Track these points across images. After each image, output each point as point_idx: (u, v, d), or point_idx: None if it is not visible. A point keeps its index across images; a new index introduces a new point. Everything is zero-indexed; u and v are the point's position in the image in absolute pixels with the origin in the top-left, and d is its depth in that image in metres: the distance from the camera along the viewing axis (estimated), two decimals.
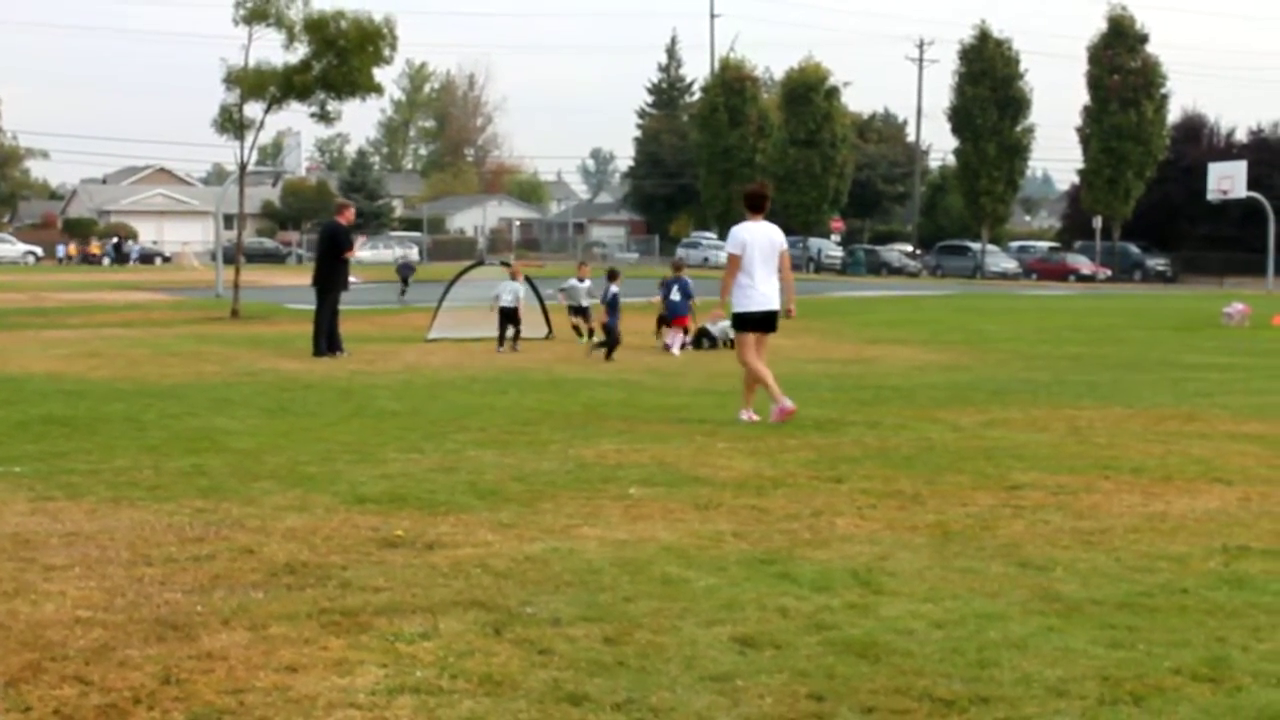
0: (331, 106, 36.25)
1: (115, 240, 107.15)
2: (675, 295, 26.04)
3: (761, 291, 14.95)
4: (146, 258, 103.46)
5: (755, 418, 14.71)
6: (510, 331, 25.96)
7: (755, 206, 15.30)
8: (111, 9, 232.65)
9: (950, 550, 8.48)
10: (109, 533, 8.82)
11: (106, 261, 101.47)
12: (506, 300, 26.19)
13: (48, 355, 22.62)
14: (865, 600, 7.27)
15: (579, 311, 27.78)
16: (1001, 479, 11.09)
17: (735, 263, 15.04)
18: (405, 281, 49.54)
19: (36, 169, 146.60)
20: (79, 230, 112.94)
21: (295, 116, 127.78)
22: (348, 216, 24.62)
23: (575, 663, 6.17)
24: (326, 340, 23.35)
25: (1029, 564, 8.11)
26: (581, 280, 28.16)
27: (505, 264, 30.29)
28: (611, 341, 23.83)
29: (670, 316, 26.27)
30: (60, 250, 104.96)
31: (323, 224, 25.58)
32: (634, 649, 6.37)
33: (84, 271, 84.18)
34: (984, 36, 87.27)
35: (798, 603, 7.19)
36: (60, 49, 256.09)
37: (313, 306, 23.82)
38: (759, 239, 15.00)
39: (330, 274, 23.74)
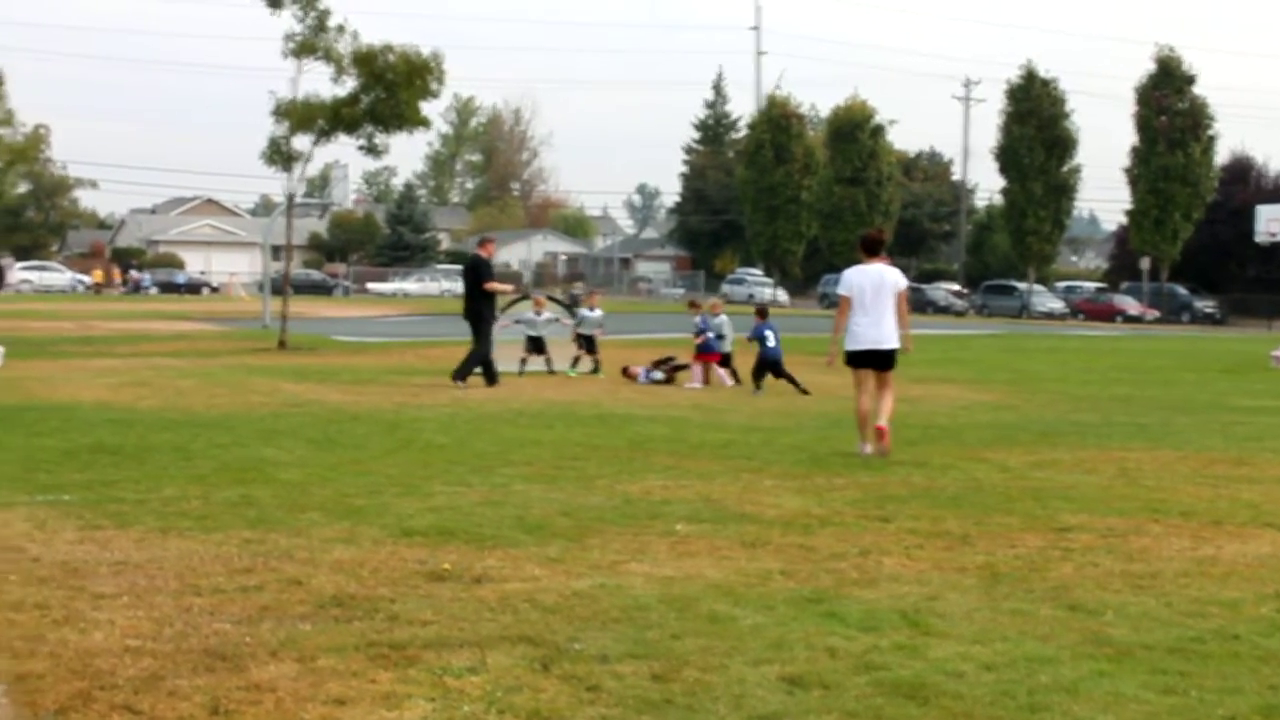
0: (379, 139, 36.41)
1: (128, 266, 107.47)
2: (771, 341, 26.02)
3: (868, 331, 15.39)
4: (193, 287, 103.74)
5: (869, 450, 15.02)
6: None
7: (870, 249, 15.83)
8: (162, 42, 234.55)
9: (999, 592, 8.43)
10: (157, 562, 8.85)
11: (146, 289, 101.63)
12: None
13: (96, 384, 22.73)
14: (914, 641, 7.23)
15: (585, 341, 28.14)
16: (1050, 520, 11.03)
17: (845, 304, 15.63)
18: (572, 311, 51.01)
19: (86, 199, 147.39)
20: (122, 259, 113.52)
21: (343, 149, 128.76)
22: (489, 250, 25.10)
23: (623, 700, 6.16)
24: (485, 370, 23.97)
25: (1079, 607, 8.06)
26: (592, 310, 28.47)
27: (551, 298, 30.43)
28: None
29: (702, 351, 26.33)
30: (83, 279, 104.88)
31: (467, 259, 25.89)
32: (682, 687, 6.35)
33: (130, 301, 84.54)
34: (1031, 76, 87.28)
35: (846, 642, 7.16)
36: (110, 81, 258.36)
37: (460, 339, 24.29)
38: (869, 281, 15.46)
39: (480, 307, 24.04)
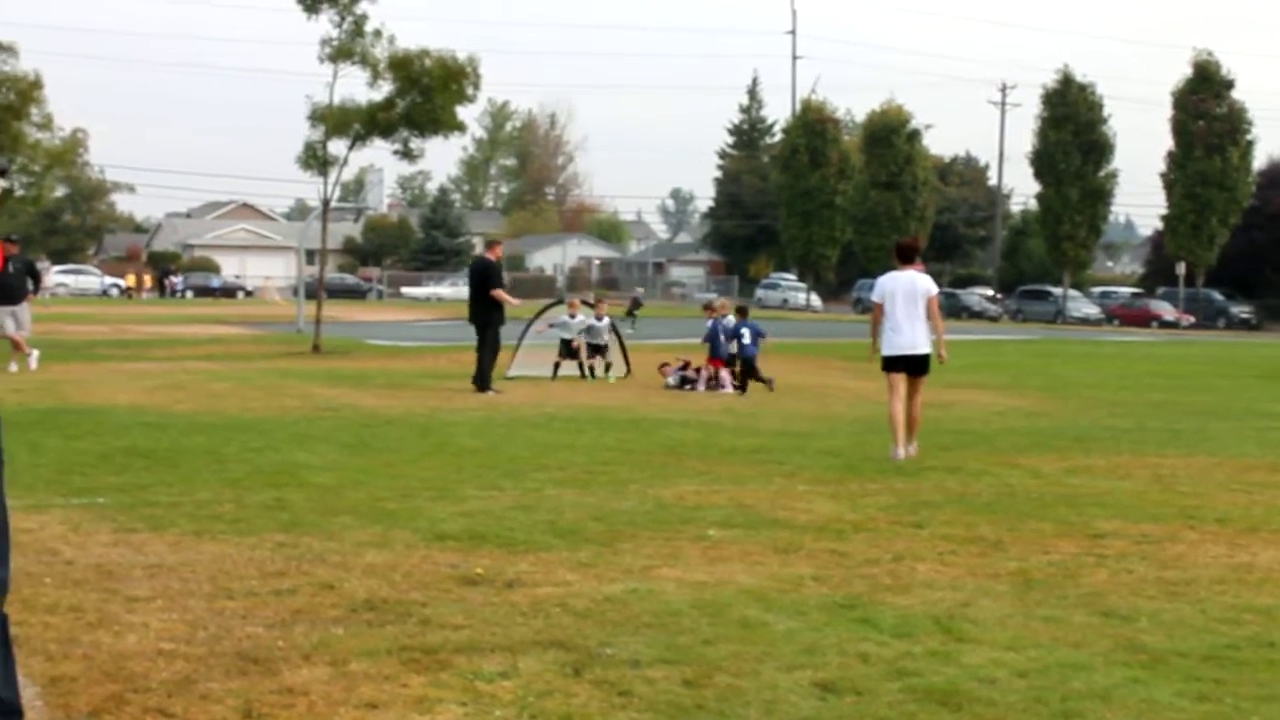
0: (414, 144, 36.36)
1: (165, 271, 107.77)
2: (747, 339, 26.01)
3: (901, 337, 15.89)
4: (228, 291, 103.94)
5: (901, 455, 15.40)
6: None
7: (904, 257, 16.40)
8: (199, 46, 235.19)
9: (1032, 598, 8.41)
10: (191, 565, 8.88)
11: (180, 293, 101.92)
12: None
13: (131, 387, 22.80)
14: (947, 647, 7.21)
15: (597, 350, 28.03)
16: (1084, 527, 11.00)
17: (879, 310, 16.18)
18: (633, 314, 52.89)
19: (123, 203, 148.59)
20: (159, 263, 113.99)
21: (378, 153, 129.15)
22: (497, 253, 24.87)
23: (655, 705, 6.16)
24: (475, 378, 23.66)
25: (1113, 614, 8.03)
26: (600, 319, 28.25)
27: (587, 302, 30.28)
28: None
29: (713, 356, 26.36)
30: (118, 283, 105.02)
31: (474, 261, 25.54)
32: (714, 692, 6.35)
33: (163, 305, 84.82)
34: (1067, 81, 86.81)
35: (879, 648, 7.15)
36: (147, 85, 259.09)
37: (474, 343, 24.03)
38: (901, 287, 15.98)
39: (489, 310, 23.93)
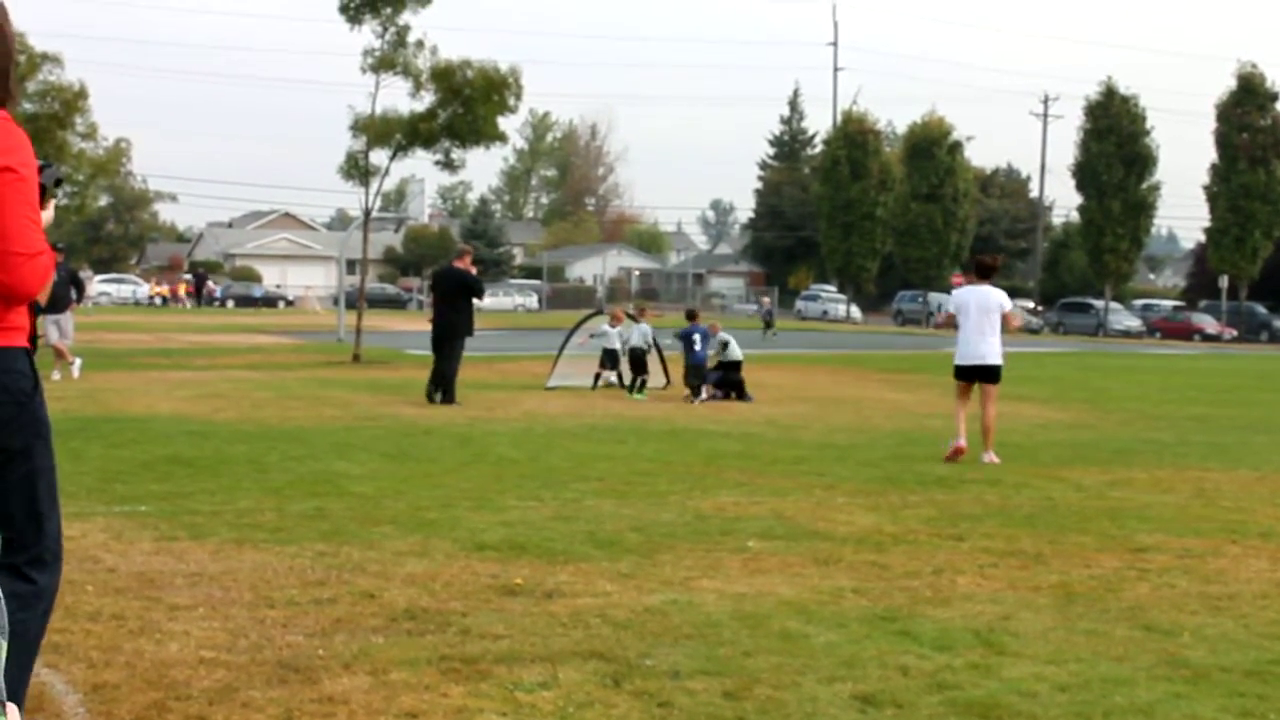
0: (456, 154, 36.46)
1: (194, 275, 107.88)
2: (698, 345, 25.83)
3: (972, 348, 17.06)
4: (269, 301, 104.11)
5: (963, 444, 16.35)
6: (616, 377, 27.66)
7: (981, 273, 17.54)
8: (242, 57, 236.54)
9: (1074, 612, 8.38)
10: (232, 574, 8.91)
11: (216, 300, 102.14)
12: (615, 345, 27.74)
13: (173, 396, 22.89)
14: (987, 660, 7.18)
15: (614, 360, 27.72)
16: (1126, 540, 10.95)
17: (950, 320, 17.64)
18: (769, 325, 56.96)
19: (165, 212, 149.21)
20: (194, 270, 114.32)
21: (420, 164, 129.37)
22: (466, 262, 24.40)
23: (695, 716, 6.15)
24: (441, 390, 23.23)
25: (1155, 628, 7.99)
26: (612, 327, 27.91)
27: (631, 315, 30.16)
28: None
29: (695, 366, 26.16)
30: (142, 289, 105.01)
31: (449, 271, 24.66)
32: (754, 704, 6.34)
33: (206, 314, 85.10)
34: (1110, 93, 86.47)
35: (919, 661, 7.13)
36: (190, 95, 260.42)
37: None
38: (975, 301, 17.05)
39: (465, 321, 23.73)
